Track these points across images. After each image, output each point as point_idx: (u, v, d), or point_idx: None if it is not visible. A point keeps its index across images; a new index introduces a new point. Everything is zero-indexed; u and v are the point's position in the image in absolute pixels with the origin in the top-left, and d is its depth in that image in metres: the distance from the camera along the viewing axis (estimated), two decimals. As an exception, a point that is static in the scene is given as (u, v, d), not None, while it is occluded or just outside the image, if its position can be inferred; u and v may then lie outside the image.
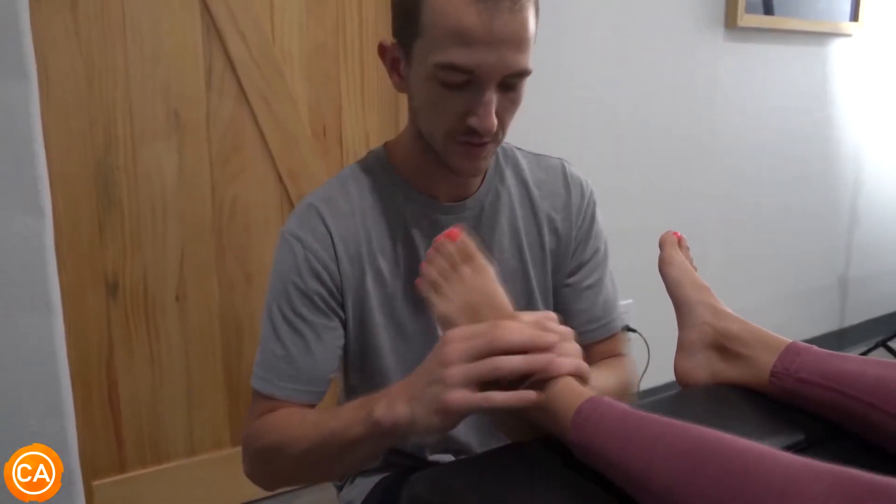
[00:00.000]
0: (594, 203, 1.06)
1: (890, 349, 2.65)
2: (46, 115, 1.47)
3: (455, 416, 0.66)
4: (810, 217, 2.75)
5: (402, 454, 1.02)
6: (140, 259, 1.65)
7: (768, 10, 2.37)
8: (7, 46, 1.28)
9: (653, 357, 2.21)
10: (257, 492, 1.88)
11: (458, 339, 0.67)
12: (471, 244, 0.81)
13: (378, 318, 0.93)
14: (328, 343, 0.90)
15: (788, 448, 0.70)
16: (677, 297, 0.91)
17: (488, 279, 0.79)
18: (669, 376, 0.91)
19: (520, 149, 1.04)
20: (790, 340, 0.79)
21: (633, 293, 2.21)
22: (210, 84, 1.65)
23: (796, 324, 2.78)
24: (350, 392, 1.00)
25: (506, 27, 0.75)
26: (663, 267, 0.95)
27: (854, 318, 3.03)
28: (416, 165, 0.93)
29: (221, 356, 1.78)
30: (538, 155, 1.04)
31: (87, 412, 1.64)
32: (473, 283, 0.79)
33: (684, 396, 0.83)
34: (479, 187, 0.96)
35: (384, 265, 0.92)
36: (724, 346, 0.83)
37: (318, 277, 0.88)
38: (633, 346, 2.27)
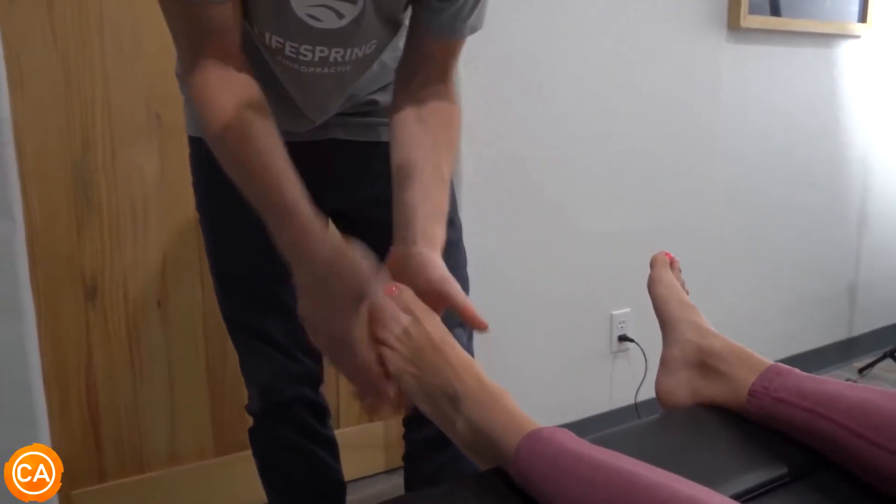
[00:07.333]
0: None
1: (899, 360, 2.58)
2: (21, 115, 1.44)
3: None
4: (817, 222, 2.69)
5: None
6: (120, 262, 1.61)
7: (775, 10, 2.31)
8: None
9: (650, 368, 2.16)
10: (242, 502, 1.85)
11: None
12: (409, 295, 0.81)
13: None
14: None
15: (772, 482, 0.66)
16: (663, 314, 0.92)
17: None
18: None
19: None
20: (772, 361, 0.76)
21: (630, 302, 2.16)
22: (193, 84, 1.61)
23: (802, 332, 2.71)
24: None
25: None
26: (652, 285, 0.96)
27: (863, 327, 2.96)
28: None
29: (205, 362, 1.74)
30: None
31: (66, 419, 1.60)
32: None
33: (665, 422, 0.79)
34: None
35: None
36: (705, 364, 0.82)
37: None
38: (631, 357, 2.22)
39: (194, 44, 0.84)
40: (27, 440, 1.38)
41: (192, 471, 1.75)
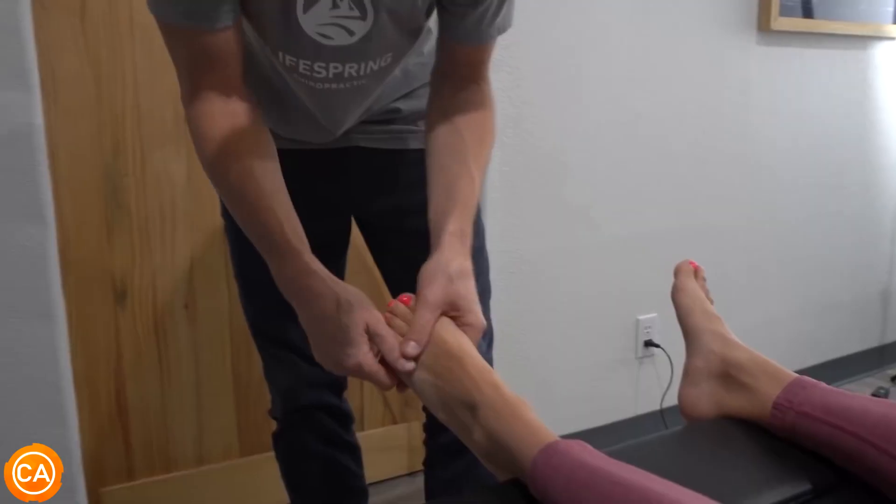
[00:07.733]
0: None
1: (933, 368, 2.53)
2: (54, 120, 1.47)
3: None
4: (849, 227, 2.64)
5: None
6: (149, 265, 1.63)
7: (807, 12, 2.27)
8: (8, 56, 1.27)
9: (676, 374, 2.14)
10: (267, 503, 1.88)
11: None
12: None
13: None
14: None
15: (795, 499, 0.65)
16: (687, 324, 0.91)
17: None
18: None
19: None
20: (796, 374, 0.74)
21: (656, 307, 2.14)
22: (221, 89, 1.63)
23: (834, 338, 2.66)
24: None
25: None
26: (675, 294, 0.95)
27: (896, 334, 2.90)
28: None
29: (231, 364, 1.76)
30: None
31: (95, 419, 1.63)
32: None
33: (687, 434, 0.78)
34: None
35: None
36: (729, 375, 0.81)
37: None
38: (657, 362, 2.20)
39: (194, 73, 0.84)
40: (57, 440, 1.41)
41: (218, 471, 1.77)
